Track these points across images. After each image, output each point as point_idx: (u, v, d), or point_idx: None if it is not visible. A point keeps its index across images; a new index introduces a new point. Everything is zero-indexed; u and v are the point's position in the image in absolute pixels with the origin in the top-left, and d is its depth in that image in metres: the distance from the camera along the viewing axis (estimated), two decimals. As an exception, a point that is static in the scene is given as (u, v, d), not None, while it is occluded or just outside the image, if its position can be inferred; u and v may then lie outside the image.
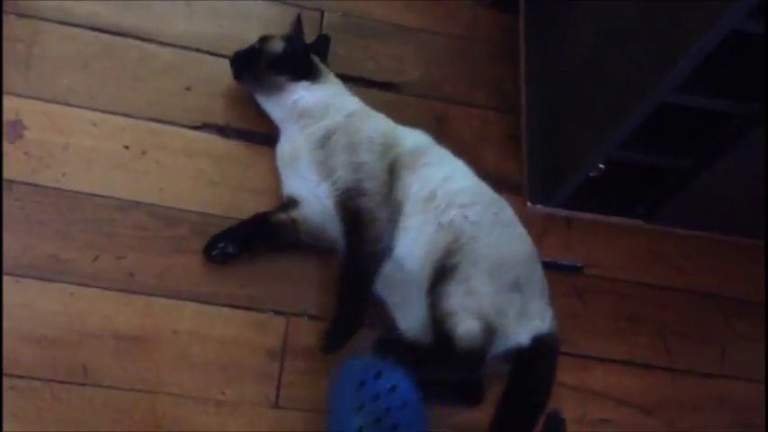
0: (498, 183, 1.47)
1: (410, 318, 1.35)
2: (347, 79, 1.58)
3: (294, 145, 1.44)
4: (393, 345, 1.29)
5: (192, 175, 1.49)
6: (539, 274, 1.36)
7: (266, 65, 1.48)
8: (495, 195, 1.42)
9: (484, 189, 1.42)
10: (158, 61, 1.58)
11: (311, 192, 1.41)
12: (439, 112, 1.69)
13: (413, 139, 1.45)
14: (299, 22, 1.48)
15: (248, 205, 1.47)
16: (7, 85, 1.48)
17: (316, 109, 1.44)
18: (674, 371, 1.54)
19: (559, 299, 1.42)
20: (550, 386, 1.29)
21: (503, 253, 1.33)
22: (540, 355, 1.30)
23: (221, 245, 1.40)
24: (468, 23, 1.80)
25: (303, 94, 1.46)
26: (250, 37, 1.55)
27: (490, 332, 1.27)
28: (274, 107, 1.50)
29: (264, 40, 1.51)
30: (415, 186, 1.37)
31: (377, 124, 1.45)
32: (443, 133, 1.58)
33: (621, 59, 1.36)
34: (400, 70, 1.71)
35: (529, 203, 1.60)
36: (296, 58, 1.48)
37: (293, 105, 1.47)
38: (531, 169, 1.63)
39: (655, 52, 1.24)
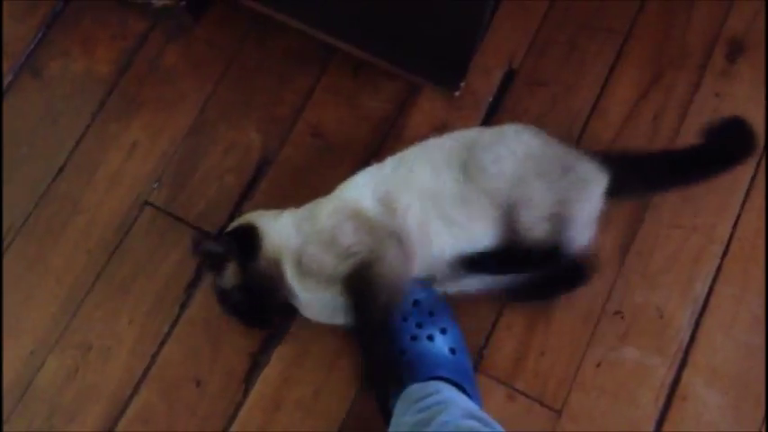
0: None
1: None
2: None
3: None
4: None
5: None
6: (560, 147, 1.35)
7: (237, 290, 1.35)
8: (439, 151, 1.35)
9: (444, 155, 1.34)
10: None
11: None
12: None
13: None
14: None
15: None
16: None
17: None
18: None
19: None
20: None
21: (532, 156, 1.31)
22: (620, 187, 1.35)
23: None
24: None
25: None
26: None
27: (563, 226, 1.30)
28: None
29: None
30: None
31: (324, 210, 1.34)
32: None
33: None
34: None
35: None
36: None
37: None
38: None
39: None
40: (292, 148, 1.54)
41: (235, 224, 1.39)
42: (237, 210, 1.50)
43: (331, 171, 1.52)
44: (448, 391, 1.24)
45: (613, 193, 1.35)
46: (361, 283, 1.28)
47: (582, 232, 1.34)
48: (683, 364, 1.40)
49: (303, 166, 1.53)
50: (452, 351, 1.32)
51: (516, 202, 1.29)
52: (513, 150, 1.32)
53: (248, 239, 1.33)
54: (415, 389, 1.25)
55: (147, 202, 1.51)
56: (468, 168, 1.31)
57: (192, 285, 1.46)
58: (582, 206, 1.33)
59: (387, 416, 1.30)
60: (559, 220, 1.30)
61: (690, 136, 1.52)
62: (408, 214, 1.30)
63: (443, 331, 1.33)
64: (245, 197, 1.51)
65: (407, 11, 1.40)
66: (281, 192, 1.51)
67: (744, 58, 1.58)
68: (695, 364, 1.40)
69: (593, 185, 1.34)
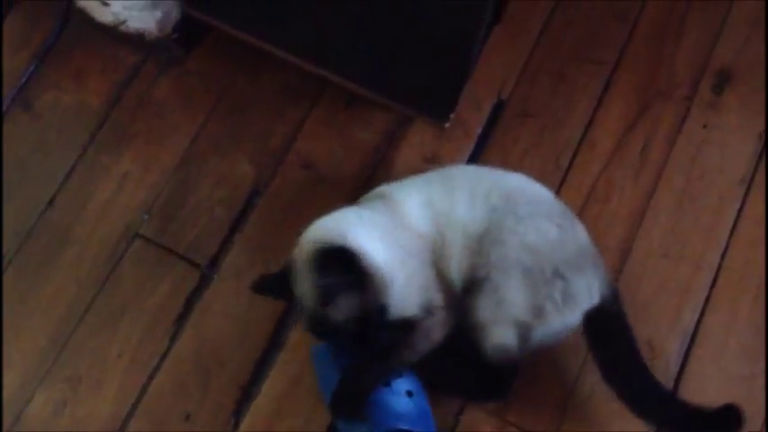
0: None
1: None
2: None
3: None
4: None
5: None
6: (575, 245, 1.31)
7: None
8: (483, 185, 1.32)
9: (465, 188, 1.31)
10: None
11: None
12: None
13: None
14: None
15: None
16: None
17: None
18: None
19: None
20: (628, 338, 1.30)
21: (535, 249, 1.27)
22: (601, 324, 1.29)
23: None
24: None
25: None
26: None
27: (526, 336, 1.27)
28: None
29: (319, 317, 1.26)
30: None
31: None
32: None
33: None
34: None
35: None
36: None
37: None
38: None
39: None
40: (283, 180, 1.55)
41: (313, 239, 1.28)
42: (228, 241, 1.50)
43: (322, 202, 1.51)
44: None
45: (591, 323, 1.30)
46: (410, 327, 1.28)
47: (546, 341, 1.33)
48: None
49: (294, 197, 1.54)
50: (409, 394, 1.29)
51: (484, 285, 1.26)
52: (522, 231, 1.28)
53: (350, 264, 1.23)
54: None
55: (137, 234, 1.51)
56: (492, 218, 1.29)
57: (182, 318, 1.45)
58: (555, 321, 1.29)
59: None
60: (527, 331, 1.28)
61: (677, 167, 1.53)
62: (450, 250, 1.29)
63: (400, 374, 1.30)
64: (236, 229, 1.51)
65: (399, 43, 1.42)
66: (271, 223, 1.51)
67: (731, 89, 1.60)
68: (686, 394, 1.39)
69: (578, 304, 1.29)
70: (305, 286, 1.26)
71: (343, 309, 1.24)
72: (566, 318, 1.29)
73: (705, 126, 1.57)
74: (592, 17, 1.65)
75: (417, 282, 1.28)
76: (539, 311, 1.27)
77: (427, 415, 1.31)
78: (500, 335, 1.27)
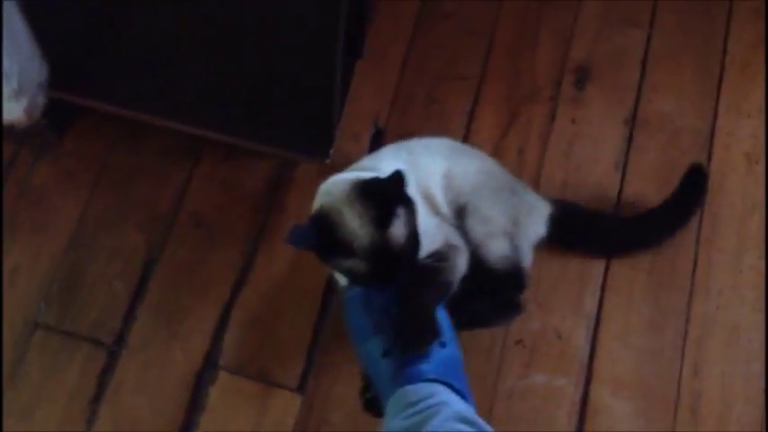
0: None
1: None
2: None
3: None
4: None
5: None
6: (508, 175, 1.50)
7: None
8: (432, 142, 1.47)
9: (421, 148, 1.44)
10: None
11: None
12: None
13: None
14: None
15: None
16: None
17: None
18: None
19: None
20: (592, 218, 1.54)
21: (487, 171, 1.46)
22: (567, 220, 1.49)
23: None
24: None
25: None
26: None
27: (516, 243, 1.42)
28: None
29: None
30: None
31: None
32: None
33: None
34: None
35: None
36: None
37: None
38: None
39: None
40: (177, 243, 1.54)
41: (345, 182, 1.28)
42: (131, 314, 1.48)
43: (219, 257, 1.53)
44: (442, 395, 1.21)
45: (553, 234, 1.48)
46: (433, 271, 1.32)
47: (527, 257, 1.45)
48: (588, 379, 1.44)
49: (190, 257, 1.53)
50: (443, 345, 1.28)
51: (467, 209, 1.39)
52: (475, 162, 1.45)
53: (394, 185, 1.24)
54: (409, 391, 1.22)
55: (36, 324, 1.48)
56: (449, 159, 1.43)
57: (96, 399, 1.43)
58: (529, 229, 1.45)
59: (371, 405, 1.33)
60: (514, 239, 1.41)
61: (554, 163, 1.60)
62: (436, 197, 1.40)
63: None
64: (137, 300, 1.50)
65: (262, 91, 1.44)
66: (172, 288, 1.50)
67: (591, 82, 1.68)
68: (599, 377, 1.44)
69: (537, 211, 1.48)
70: (355, 221, 1.22)
71: (401, 227, 1.23)
72: (537, 226, 1.47)
73: (573, 121, 1.64)
74: (449, 37, 1.71)
75: (431, 223, 1.36)
76: (515, 221, 1.43)
77: (458, 364, 1.30)
78: (497, 245, 1.40)
